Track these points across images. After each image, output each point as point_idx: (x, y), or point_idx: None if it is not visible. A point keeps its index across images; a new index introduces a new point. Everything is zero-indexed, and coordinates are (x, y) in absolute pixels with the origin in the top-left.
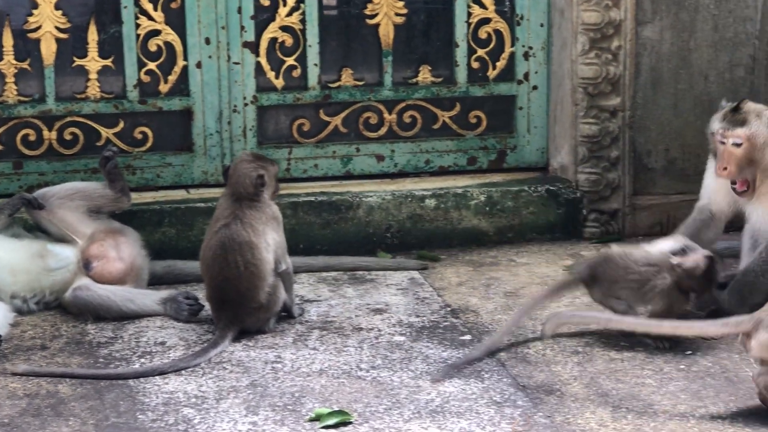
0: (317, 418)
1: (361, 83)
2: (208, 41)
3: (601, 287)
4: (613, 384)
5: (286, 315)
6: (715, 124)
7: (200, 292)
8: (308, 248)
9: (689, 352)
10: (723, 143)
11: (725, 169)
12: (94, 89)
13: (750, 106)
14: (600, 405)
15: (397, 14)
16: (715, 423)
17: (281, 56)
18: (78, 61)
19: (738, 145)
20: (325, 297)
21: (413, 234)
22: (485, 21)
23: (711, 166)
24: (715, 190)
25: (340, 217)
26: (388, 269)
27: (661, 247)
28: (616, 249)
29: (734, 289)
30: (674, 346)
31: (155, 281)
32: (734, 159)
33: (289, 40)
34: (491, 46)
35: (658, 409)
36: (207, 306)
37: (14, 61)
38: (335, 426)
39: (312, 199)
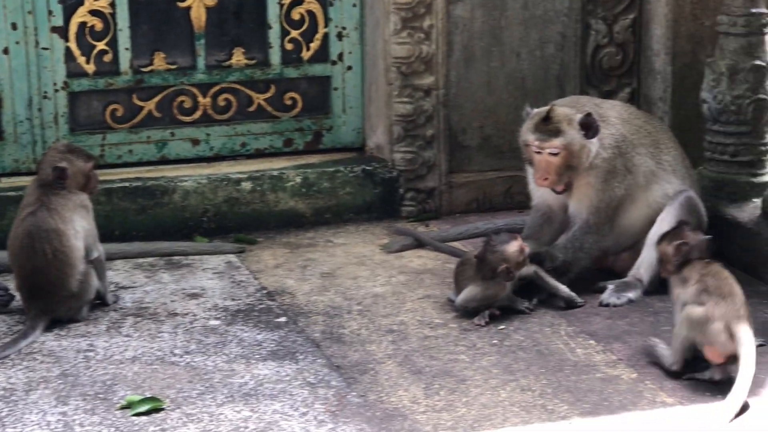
0: (128, 405)
1: (174, 67)
2: (14, 27)
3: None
4: (427, 361)
5: (100, 303)
6: (528, 136)
7: (11, 282)
8: (124, 234)
9: (502, 327)
10: (539, 153)
11: (546, 179)
12: None
13: (559, 113)
14: (414, 382)
15: None
16: (525, 395)
17: (91, 41)
18: None
19: (555, 154)
20: (141, 283)
21: (230, 218)
22: (298, 2)
23: (530, 172)
24: (544, 194)
25: (155, 203)
26: (205, 254)
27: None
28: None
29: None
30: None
31: None
32: (553, 168)
33: (99, 25)
34: (305, 27)
35: (470, 384)
36: (18, 296)
37: None
38: (147, 413)
39: (127, 185)
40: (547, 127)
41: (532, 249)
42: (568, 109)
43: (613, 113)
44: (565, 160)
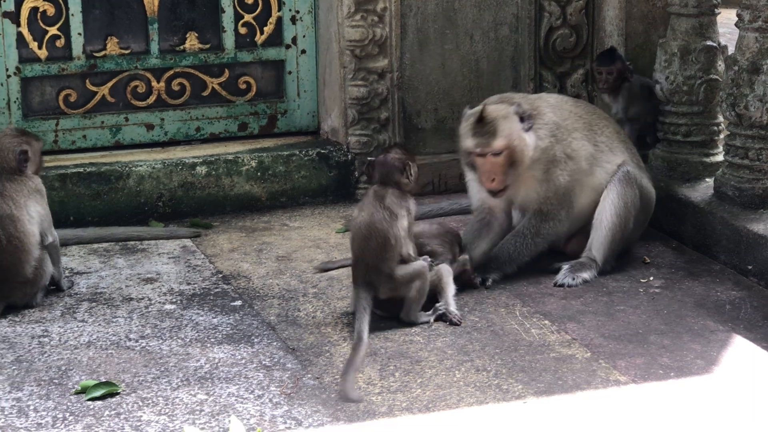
0: (83, 390)
1: (127, 52)
2: None
3: None
4: (383, 343)
5: (55, 288)
6: (468, 142)
7: None
8: (79, 220)
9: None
10: (482, 157)
11: (493, 180)
12: None
13: (492, 110)
14: (369, 364)
15: None
16: (480, 375)
17: (44, 26)
18: None
19: (498, 154)
20: (96, 268)
21: (185, 202)
22: None
23: (471, 177)
24: (484, 197)
25: (110, 188)
26: (160, 238)
27: None
28: None
29: (503, 249)
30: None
31: None
32: (498, 168)
33: (51, 9)
34: (258, 11)
35: (425, 365)
36: None
37: None
38: (102, 397)
39: (81, 170)
40: (485, 128)
41: (473, 257)
42: (500, 105)
43: (543, 103)
44: (509, 158)
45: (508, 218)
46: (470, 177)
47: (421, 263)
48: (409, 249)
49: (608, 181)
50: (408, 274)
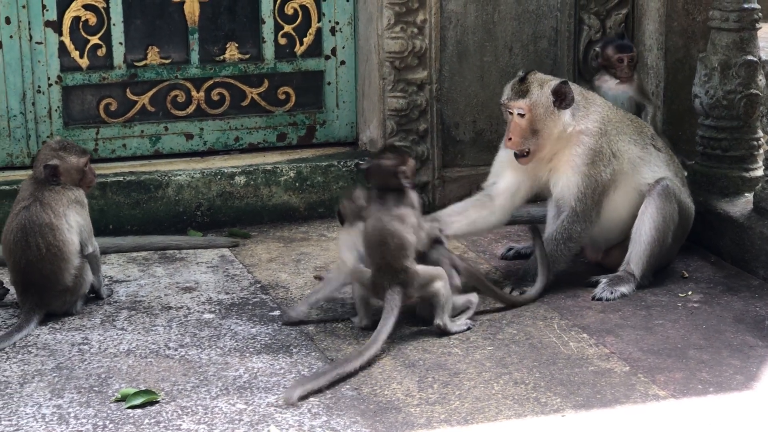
0: (123, 398)
1: (167, 61)
2: (8, 21)
3: None
4: (420, 354)
5: (95, 296)
6: (503, 95)
7: (6, 276)
8: (118, 228)
9: (495, 321)
10: (510, 113)
11: (510, 138)
12: None
13: (536, 76)
14: (407, 375)
15: None
16: (518, 388)
17: (85, 35)
18: None
19: (522, 115)
20: (135, 277)
21: (224, 212)
22: None
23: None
24: (500, 173)
25: (149, 197)
26: (199, 247)
27: None
28: None
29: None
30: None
31: None
32: (519, 130)
33: (92, 19)
34: (298, 21)
35: (463, 377)
36: (13, 290)
37: None
38: (141, 406)
39: (120, 179)
40: (519, 87)
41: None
42: (548, 77)
43: (599, 99)
44: (530, 123)
45: (505, 215)
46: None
47: (438, 268)
48: (423, 239)
49: (648, 193)
50: (428, 272)
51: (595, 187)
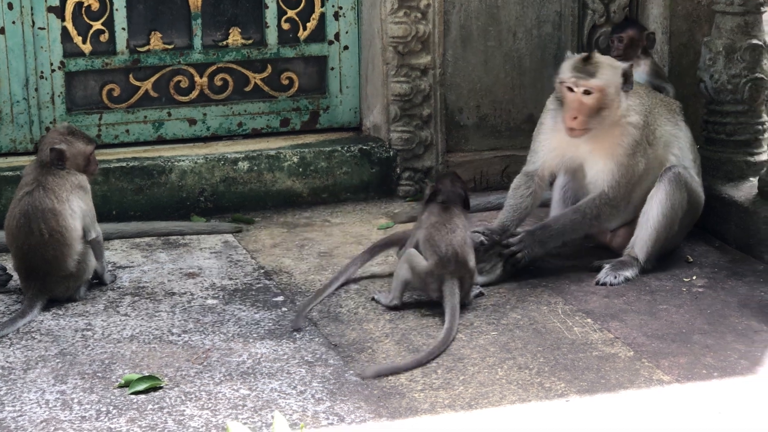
0: (126, 384)
1: (170, 47)
2: (10, 6)
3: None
4: (424, 339)
5: (98, 282)
6: (566, 73)
7: (9, 262)
8: (121, 214)
9: (499, 306)
10: (572, 91)
11: (575, 118)
12: None
13: (602, 57)
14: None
15: None
16: (522, 373)
17: (88, 21)
18: None
19: (589, 93)
20: (138, 263)
21: (227, 197)
22: None
23: (548, 127)
24: (548, 158)
25: (152, 182)
26: (202, 233)
27: None
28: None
29: (558, 220)
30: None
31: None
32: (585, 109)
33: (95, 4)
34: (301, 6)
35: (467, 362)
36: (16, 276)
37: None
38: (145, 391)
39: (124, 164)
40: (587, 67)
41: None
42: (610, 57)
43: (641, 90)
44: (598, 102)
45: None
46: (546, 129)
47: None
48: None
49: (659, 178)
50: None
51: (631, 176)
